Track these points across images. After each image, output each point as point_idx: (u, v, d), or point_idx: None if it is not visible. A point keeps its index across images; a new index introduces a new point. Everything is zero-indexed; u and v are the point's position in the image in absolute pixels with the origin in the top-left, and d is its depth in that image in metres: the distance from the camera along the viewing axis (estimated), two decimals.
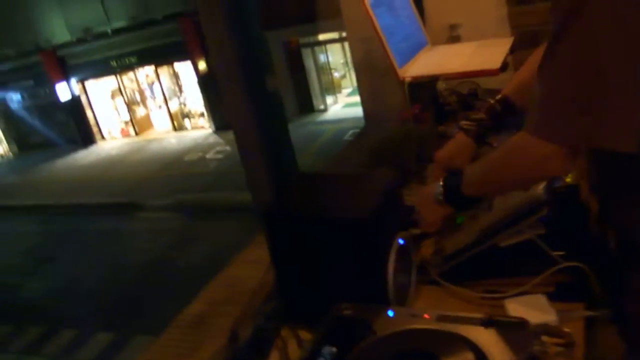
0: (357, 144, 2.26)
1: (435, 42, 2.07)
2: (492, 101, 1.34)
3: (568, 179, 1.42)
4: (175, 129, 16.88)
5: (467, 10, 2.12)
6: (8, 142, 19.35)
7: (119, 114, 18.00)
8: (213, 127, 16.00)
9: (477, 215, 1.16)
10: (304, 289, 1.09)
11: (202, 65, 14.90)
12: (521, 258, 1.13)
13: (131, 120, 17.65)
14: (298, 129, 14.18)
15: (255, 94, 1.17)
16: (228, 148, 14.32)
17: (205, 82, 15.25)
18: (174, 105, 16.96)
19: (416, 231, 1.32)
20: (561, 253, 1.09)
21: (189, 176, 12.32)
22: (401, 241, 1.05)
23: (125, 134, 17.87)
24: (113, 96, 17.84)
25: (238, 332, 1.06)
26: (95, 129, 17.94)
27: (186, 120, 16.92)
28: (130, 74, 17.38)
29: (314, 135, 13.32)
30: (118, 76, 17.11)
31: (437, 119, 1.94)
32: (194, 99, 16.60)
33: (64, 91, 17.02)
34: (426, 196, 1.20)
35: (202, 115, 16.55)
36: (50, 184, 14.85)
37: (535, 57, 1.08)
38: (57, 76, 16.68)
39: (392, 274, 1.01)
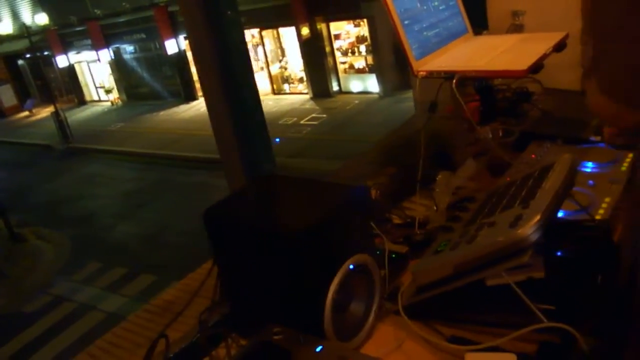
0: (389, 136, 2.07)
1: (496, 31, 1.83)
2: None
3: (600, 212, 1.18)
4: (274, 92, 17.11)
5: None
6: (119, 91, 20.62)
7: None
8: (311, 93, 16.05)
9: (457, 246, 0.97)
10: (245, 300, 0.98)
11: (305, 31, 14.90)
12: (509, 304, 0.94)
13: None
14: (395, 104, 13.88)
15: (230, 84, 1.06)
16: (323, 115, 14.32)
17: (307, 49, 15.26)
18: (275, 69, 17.17)
19: (400, 249, 1.16)
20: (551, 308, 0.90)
21: (281, 140, 12.43)
22: (352, 266, 0.90)
23: None
24: None
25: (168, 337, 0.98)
26: (198, 85, 18.62)
27: (285, 84, 17.09)
28: None
29: (411, 112, 12.96)
30: None
31: (484, 119, 1.71)
32: (294, 64, 16.71)
33: (172, 46, 17.75)
34: None
35: (301, 80, 16.64)
36: (151, 133, 15.70)
37: None
38: (167, 31, 17.40)
39: (331, 304, 0.87)
